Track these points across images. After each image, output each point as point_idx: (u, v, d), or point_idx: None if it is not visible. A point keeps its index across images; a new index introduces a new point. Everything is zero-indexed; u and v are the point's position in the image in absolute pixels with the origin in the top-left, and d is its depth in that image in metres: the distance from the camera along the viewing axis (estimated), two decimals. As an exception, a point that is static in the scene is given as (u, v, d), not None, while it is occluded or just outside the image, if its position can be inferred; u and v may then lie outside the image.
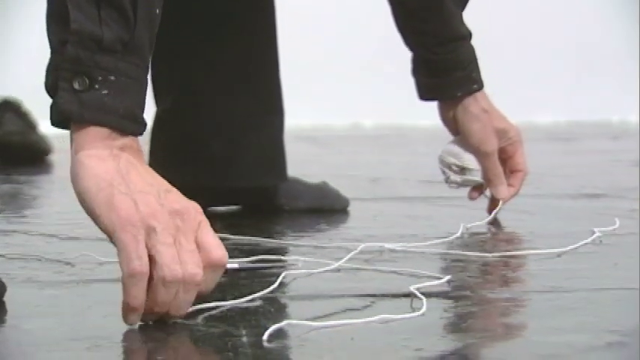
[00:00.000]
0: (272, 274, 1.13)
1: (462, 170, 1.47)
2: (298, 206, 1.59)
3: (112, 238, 0.91)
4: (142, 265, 0.89)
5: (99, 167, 0.92)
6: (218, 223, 1.47)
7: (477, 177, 1.47)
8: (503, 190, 1.46)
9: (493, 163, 1.46)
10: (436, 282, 1.09)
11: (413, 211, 1.65)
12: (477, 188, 1.50)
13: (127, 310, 0.91)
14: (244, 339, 0.89)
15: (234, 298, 1.03)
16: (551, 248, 1.28)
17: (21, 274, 1.14)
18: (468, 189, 1.51)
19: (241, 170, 1.56)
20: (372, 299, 1.03)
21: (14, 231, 1.43)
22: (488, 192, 1.50)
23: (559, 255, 1.27)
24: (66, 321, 0.97)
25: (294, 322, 0.92)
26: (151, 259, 0.90)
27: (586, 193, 1.82)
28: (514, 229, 1.47)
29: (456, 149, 1.47)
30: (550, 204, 1.72)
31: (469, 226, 1.41)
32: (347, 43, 3.36)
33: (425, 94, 1.49)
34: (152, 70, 1.59)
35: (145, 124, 0.96)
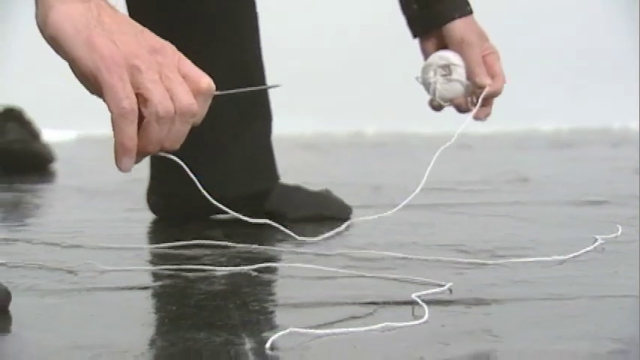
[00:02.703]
0: (274, 280, 1.13)
1: (447, 69, 1.44)
2: (300, 214, 1.59)
3: (93, 80, 0.91)
4: (131, 103, 0.90)
5: (71, 9, 0.92)
6: (219, 231, 1.47)
7: (462, 76, 1.44)
8: (487, 78, 1.45)
9: (476, 53, 1.45)
10: (438, 289, 1.09)
11: (414, 218, 1.65)
12: (462, 97, 1.46)
13: (122, 152, 0.92)
14: (247, 347, 0.89)
15: (235, 305, 1.03)
16: (553, 255, 1.28)
17: (22, 283, 1.14)
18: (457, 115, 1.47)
19: (231, 179, 1.56)
20: (374, 307, 1.03)
21: (16, 239, 1.43)
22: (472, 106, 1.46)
23: (561, 262, 1.27)
24: (67, 330, 0.97)
25: (297, 330, 0.92)
26: (138, 98, 0.91)
27: (588, 201, 1.82)
28: (516, 236, 1.47)
29: (440, 52, 1.46)
30: (552, 211, 1.72)
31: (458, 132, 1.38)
32: (349, 52, 3.36)
33: (422, 26, 1.48)
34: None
35: None
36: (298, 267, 1.21)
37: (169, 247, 1.36)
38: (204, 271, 1.21)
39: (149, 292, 1.14)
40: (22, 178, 2.16)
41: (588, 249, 1.32)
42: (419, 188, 1.27)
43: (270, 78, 1.61)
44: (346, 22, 3.35)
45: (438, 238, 1.38)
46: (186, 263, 1.24)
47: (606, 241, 1.38)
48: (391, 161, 2.68)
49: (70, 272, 1.19)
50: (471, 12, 1.47)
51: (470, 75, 1.44)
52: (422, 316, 0.98)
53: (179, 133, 0.93)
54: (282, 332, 0.90)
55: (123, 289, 1.13)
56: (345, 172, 2.38)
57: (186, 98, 0.92)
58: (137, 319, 1.01)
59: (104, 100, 0.91)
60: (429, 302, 1.03)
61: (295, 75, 3.09)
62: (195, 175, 0.99)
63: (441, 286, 1.11)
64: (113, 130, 0.91)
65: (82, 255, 1.28)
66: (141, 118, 0.92)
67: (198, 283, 1.16)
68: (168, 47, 0.94)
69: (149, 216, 1.60)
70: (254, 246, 1.35)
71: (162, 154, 0.95)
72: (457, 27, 1.45)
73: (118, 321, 0.98)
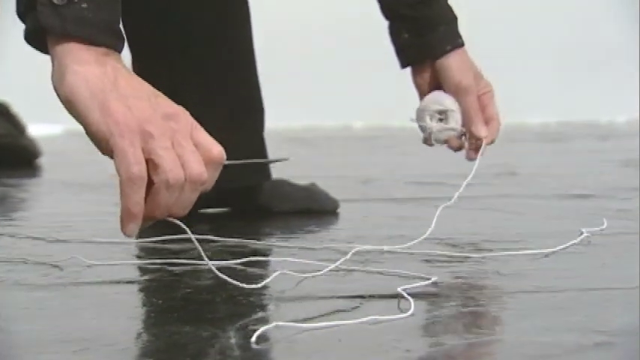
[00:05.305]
0: (260, 275, 1.13)
1: (444, 114, 1.43)
2: (287, 208, 1.59)
3: (105, 143, 0.91)
4: (141, 170, 0.90)
5: (88, 72, 0.92)
6: (206, 225, 1.47)
7: (458, 122, 1.43)
8: (484, 128, 1.44)
9: (473, 99, 1.43)
10: (423, 283, 1.10)
11: (402, 212, 1.65)
12: (457, 139, 1.45)
13: (128, 218, 0.92)
14: (232, 341, 0.89)
15: (222, 299, 1.03)
16: (540, 248, 1.28)
17: (8, 277, 1.14)
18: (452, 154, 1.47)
19: (223, 172, 1.56)
20: (360, 300, 1.03)
21: (1, 234, 1.43)
22: (466, 143, 1.46)
23: (547, 255, 1.27)
24: (54, 323, 0.96)
25: (283, 324, 0.92)
26: (148, 164, 0.91)
27: (574, 194, 1.82)
28: (503, 229, 1.47)
29: (435, 95, 1.44)
30: (539, 204, 1.72)
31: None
32: (337, 46, 3.36)
33: (413, 56, 1.45)
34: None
35: (123, 39, 0.96)
36: (284, 261, 1.21)
37: (156, 242, 1.36)
38: (190, 265, 1.21)
39: (135, 287, 1.13)
40: (8, 173, 2.16)
41: (575, 242, 1.33)
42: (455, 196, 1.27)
43: (260, 73, 1.61)
44: (335, 18, 3.35)
45: (425, 232, 1.38)
46: (173, 257, 1.24)
47: (592, 233, 1.38)
48: (379, 154, 2.68)
49: (56, 267, 1.19)
50: (462, 44, 1.44)
51: (466, 121, 1.43)
52: (408, 309, 0.98)
53: (187, 200, 0.94)
54: (268, 326, 0.90)
55: (109, 283, 1.12)
56: (333, 166, 2.38)
57: (196, 167, 0.93)
58: (123, 312, 1.01)
59: (114, 164, 0.91)
60: (415, 295, 1.03)
61: (284, 69, 3.09)
62: None
63: (427, 279, 1.11)
64: (120, 194, 0.91)
65: (68, 249, 1.28)
66: (150, 183, 0.92)
67: (184, 277, 1.15)
68: (182, 113, 0.94)
69: (136, 210, 1.60)
70: (241, 240, 1.35)
71: (169, 219, 0.95)
72: (452, 67, 1.43)
73: (104, 315, 0.98)
